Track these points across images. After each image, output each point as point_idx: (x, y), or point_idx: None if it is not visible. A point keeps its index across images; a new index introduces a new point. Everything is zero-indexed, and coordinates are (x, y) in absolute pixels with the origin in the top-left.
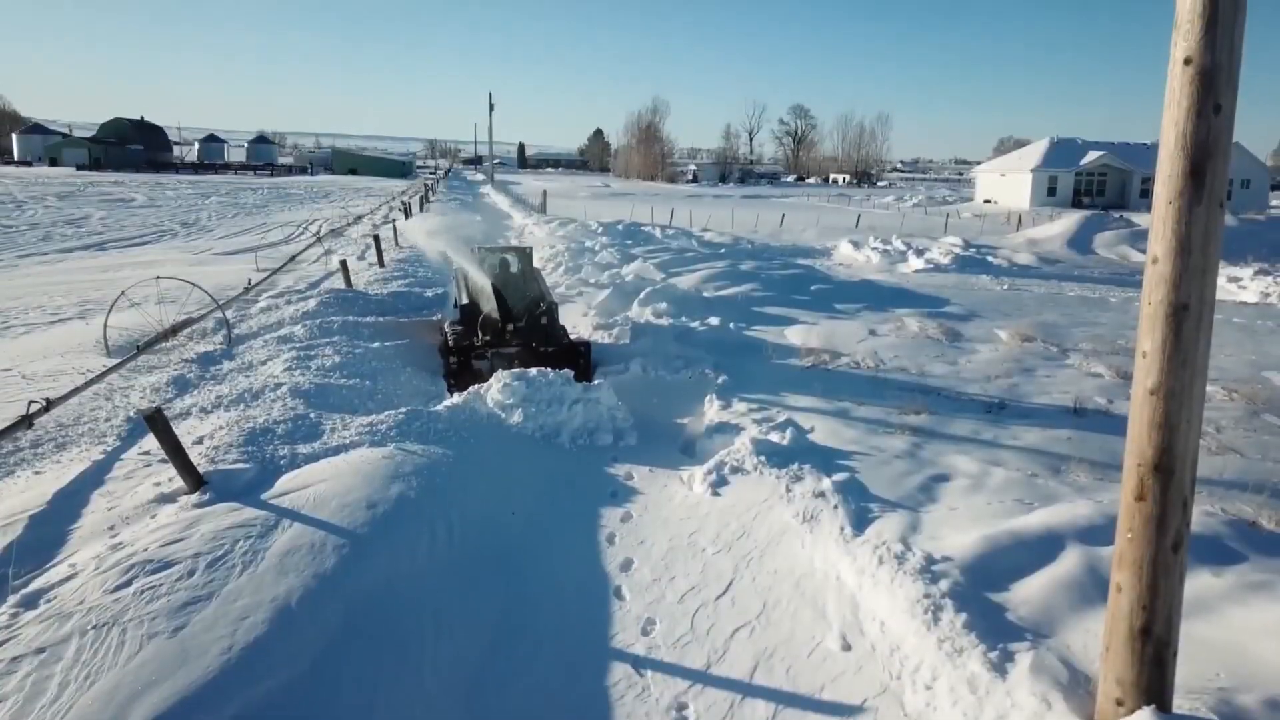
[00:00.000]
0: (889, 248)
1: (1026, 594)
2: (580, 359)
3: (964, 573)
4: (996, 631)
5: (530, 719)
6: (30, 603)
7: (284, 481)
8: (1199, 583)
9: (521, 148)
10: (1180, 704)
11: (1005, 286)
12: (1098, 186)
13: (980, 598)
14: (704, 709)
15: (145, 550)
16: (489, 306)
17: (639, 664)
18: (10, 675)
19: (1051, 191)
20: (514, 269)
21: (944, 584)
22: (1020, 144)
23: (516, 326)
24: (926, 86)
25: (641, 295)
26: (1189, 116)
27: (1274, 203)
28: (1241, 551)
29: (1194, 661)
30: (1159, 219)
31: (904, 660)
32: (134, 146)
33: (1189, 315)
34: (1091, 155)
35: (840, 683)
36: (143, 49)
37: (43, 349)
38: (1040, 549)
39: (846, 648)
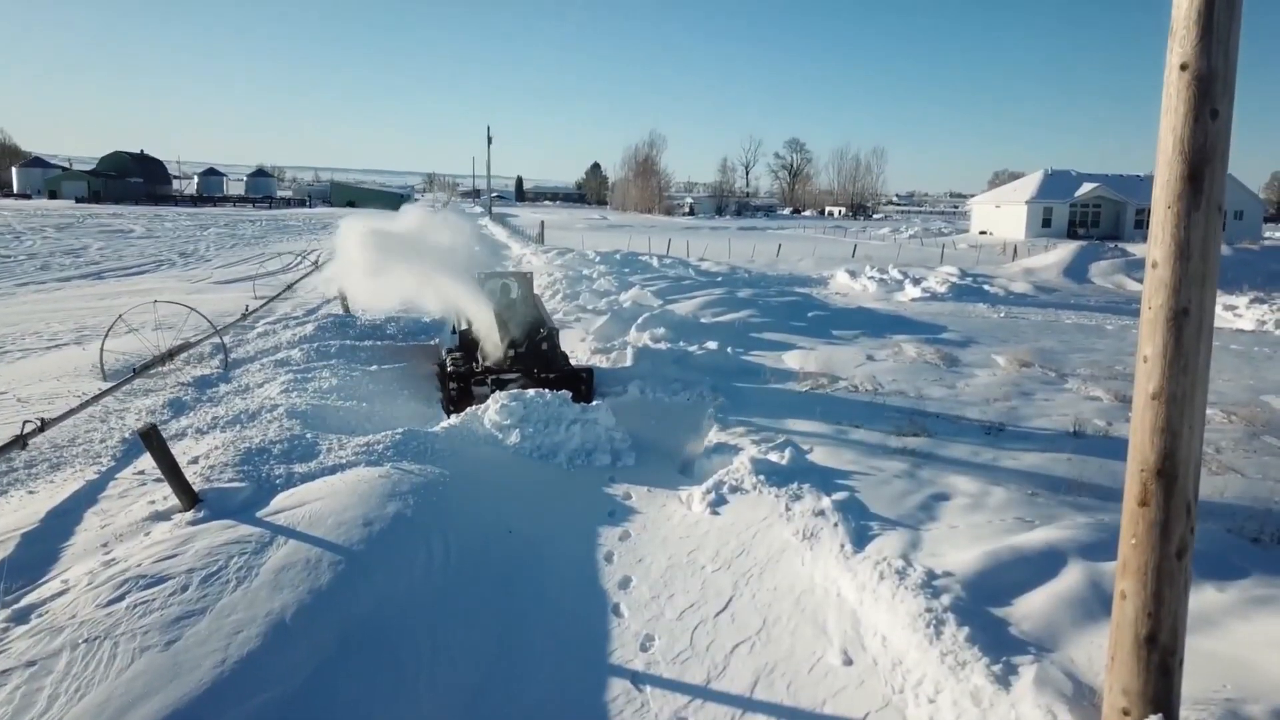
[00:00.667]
0: (885, 277)
1: (1029, 609)
2: (582, 385)
3: (966, 588)
4: (1000, 645)
5: None
6: (21, 617)
7: (280, 500)
8: (1203, 597)
9: (519, 181)
10: (1187, 715)
11: (1002, 314)
12: (1092, 218)
13: (983, 612)
14: None
15: (139, 566)
16: (489, 332)
17: (638, 679)
18: None
19: (1046, 223)
20: (514, 294)
21: (946, 599)
22: (1015, 177)
23: (517, 353)
24: (922, 121)
25: (639, 321)
26: (1186, 122)
27: (1267, 234)
28: (1245, 567)
29: (1200, 674)
30: (1158, 224)
31: (906, 674)
32: (133, 179)
33: (1189, 320)
34: (1086, 187)
35: (842, 697)
36: (143, 84)
37: (38, 373)
38: (1042, 564)
39: (848, 662)
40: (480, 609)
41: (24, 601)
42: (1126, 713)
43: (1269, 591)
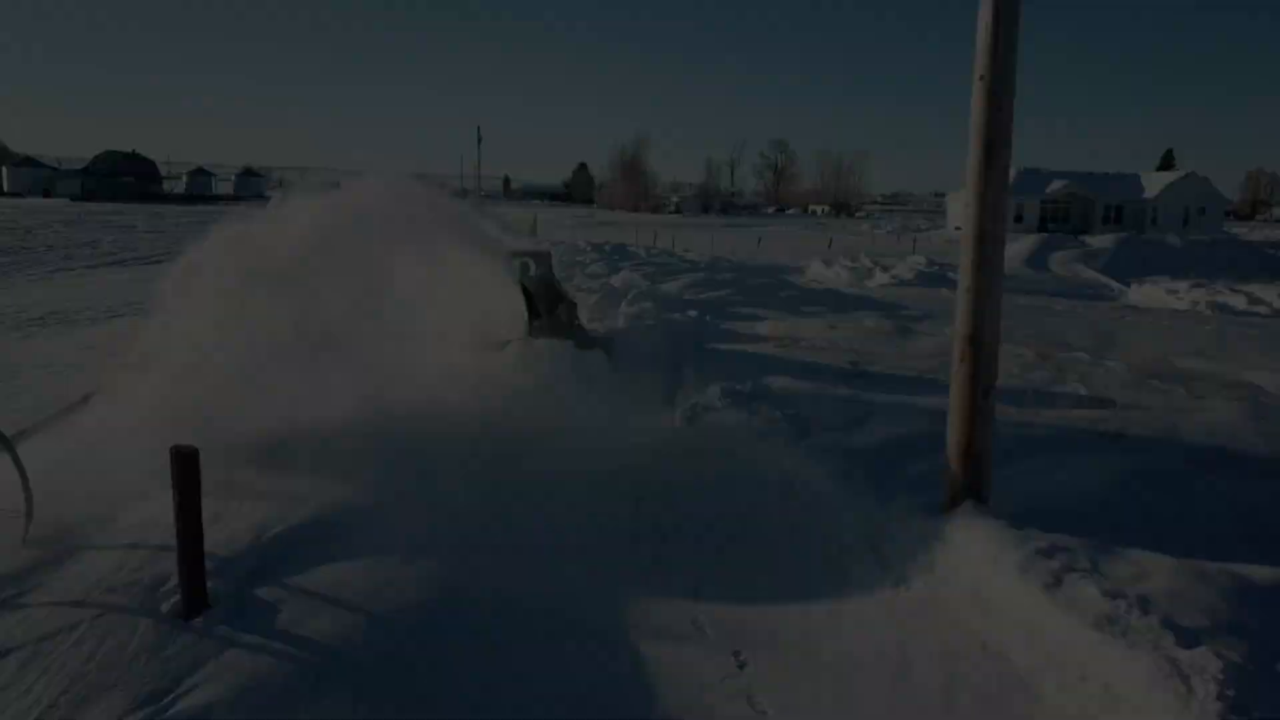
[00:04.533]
0: (857, 265)
1: (917, 468)
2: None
3: (875, 456)
4: (890, 481)
5: (529, 582)
6: None
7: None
8: (1039, 461)
9: (506, 180)
10: (997, 503)
11: None
12: (1063, 213)
13: (883, 467)
14: (676, 546)
15: None
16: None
17: (636, 532)
18: None
19: (1019, 218)
20: (533, 270)
21: (859, 461)
22: None
23: (539, 324)
24: (906, 122)
25: (629, 296)
26: (983, 113)
27: (1252, 230)
28: (1084, 447)
29: (1017, 487)
30: (969, 181)
31: (820, 500)
32: (125, 178)
33: (987, 239)
34: (1056, 184)
35: (772, 519)
36: (131, 83)
37: (111, 335)
38: (934, 440)
39: (781, 500)
40: (490, 485)
41: None
42: (955, 500)
43: (1090, 459)
